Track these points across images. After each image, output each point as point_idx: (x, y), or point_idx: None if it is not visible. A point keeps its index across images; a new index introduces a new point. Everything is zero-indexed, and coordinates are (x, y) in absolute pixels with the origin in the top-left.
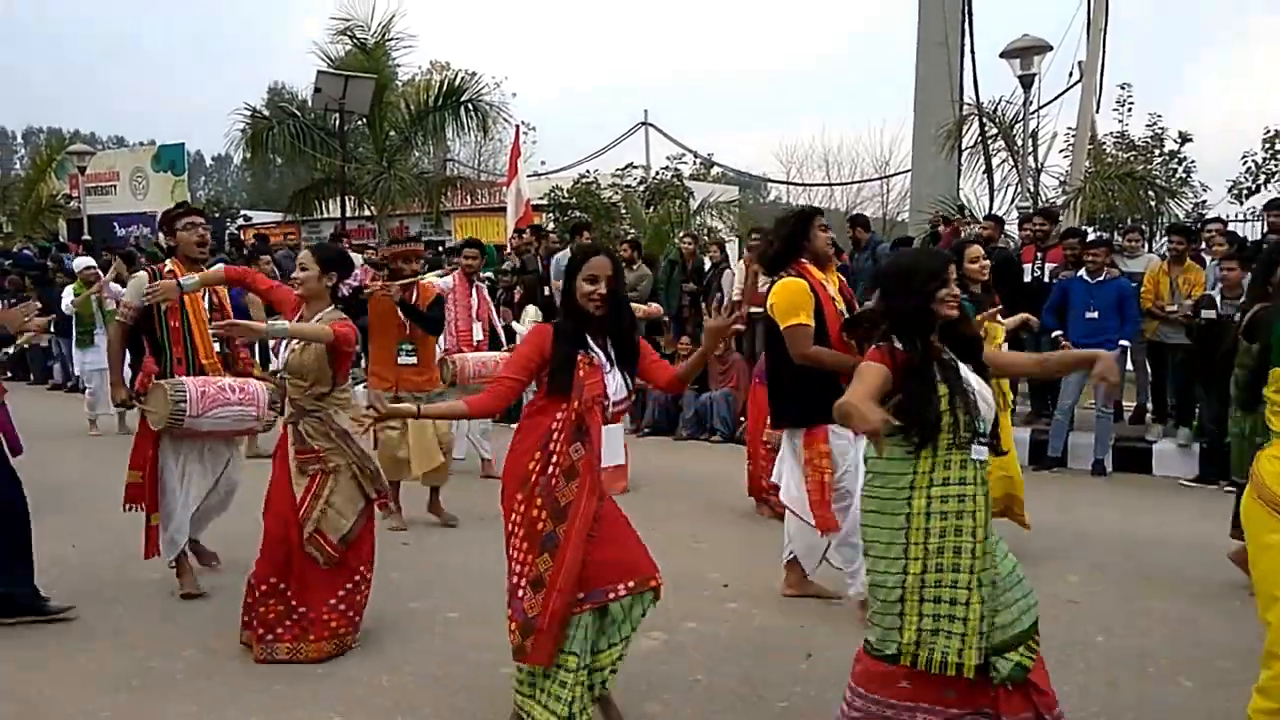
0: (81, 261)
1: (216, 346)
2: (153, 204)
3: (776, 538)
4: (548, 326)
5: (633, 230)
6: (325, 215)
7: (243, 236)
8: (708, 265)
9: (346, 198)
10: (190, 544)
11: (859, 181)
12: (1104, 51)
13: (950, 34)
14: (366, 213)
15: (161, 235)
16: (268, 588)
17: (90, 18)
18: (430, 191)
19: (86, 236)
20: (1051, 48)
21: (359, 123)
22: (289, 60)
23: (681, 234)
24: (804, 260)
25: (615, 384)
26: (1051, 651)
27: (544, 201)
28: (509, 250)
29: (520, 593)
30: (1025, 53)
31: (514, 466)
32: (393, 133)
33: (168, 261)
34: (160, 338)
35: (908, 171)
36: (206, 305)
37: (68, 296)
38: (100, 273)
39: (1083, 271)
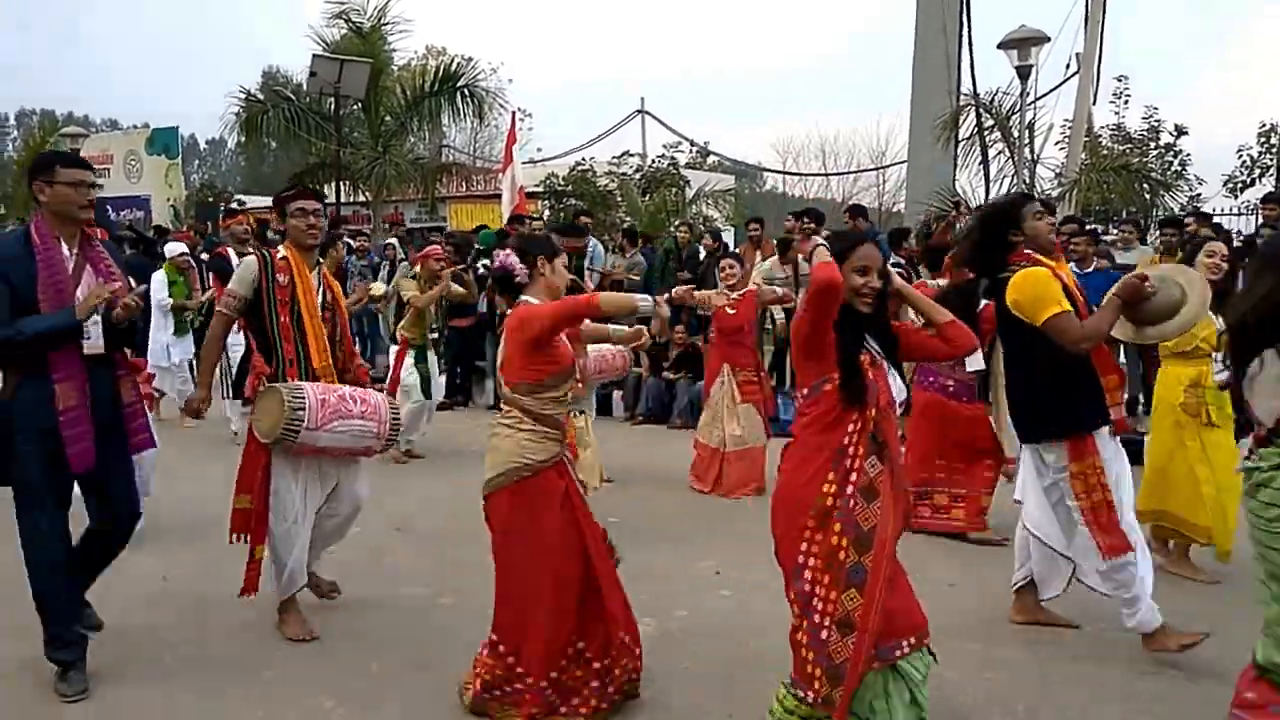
0: (174, 247)
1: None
2: (146, 187)
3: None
4: None
5: (629, 218)
6: None
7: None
8: (703, 254)
9: (341, 183)
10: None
11: (855, 172)
12: (1101, 44)
13: (949, 23)
14: (361, 198)
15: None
16: (566, 660)
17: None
18: (425, 177)
19: None
20: (1049, 39)
21: (354, 107)
22: (284, 44)
23: (677, 222)
24: (1027, 251)
25: (896, 385)
26: (1033, 644)
27: (540, 189)
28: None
29: (825, 634)
30: (1023, 44)
31: (803, 493)
32: (388, 118)
33: (280, 247)
34: (270, 333)
35: (904, 162)
36: (320, 302)
37: (158, 284)
38: (193, 261)
39: (1071, 263)
